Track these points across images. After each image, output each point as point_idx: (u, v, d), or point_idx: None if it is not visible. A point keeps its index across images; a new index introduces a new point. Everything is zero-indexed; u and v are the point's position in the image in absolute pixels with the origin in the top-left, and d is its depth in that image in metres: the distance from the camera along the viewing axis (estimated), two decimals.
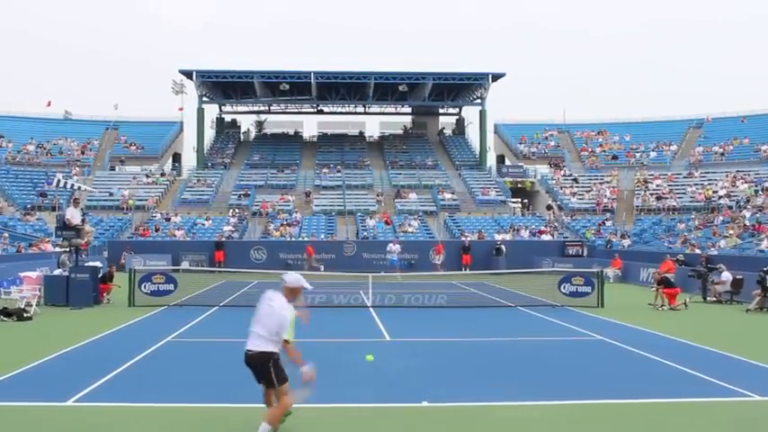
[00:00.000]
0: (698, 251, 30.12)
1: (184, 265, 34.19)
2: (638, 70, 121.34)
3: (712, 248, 30.68)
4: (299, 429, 7.90)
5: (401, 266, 33.59)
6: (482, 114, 54.24)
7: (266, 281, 29.21)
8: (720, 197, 42.67)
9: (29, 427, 8.05)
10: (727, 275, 21.95)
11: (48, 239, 34.75)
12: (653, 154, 53.79)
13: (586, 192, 48.60)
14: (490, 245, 37.83)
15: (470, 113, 60.62)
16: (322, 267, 32.86)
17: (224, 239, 38.08)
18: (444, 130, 62.61)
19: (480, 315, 18.96)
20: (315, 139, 61.44)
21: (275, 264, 34.42)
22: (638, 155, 53.81)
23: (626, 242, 38.48)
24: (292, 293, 7.20)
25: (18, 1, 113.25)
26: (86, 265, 21.40)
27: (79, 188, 42.15)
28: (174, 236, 39.49)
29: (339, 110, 61.41)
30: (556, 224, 43.67)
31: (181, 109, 57.63)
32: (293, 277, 7.29)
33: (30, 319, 16.64)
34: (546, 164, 54.52)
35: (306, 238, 39.85)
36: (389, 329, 15.52)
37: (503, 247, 36.70)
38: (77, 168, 49.64)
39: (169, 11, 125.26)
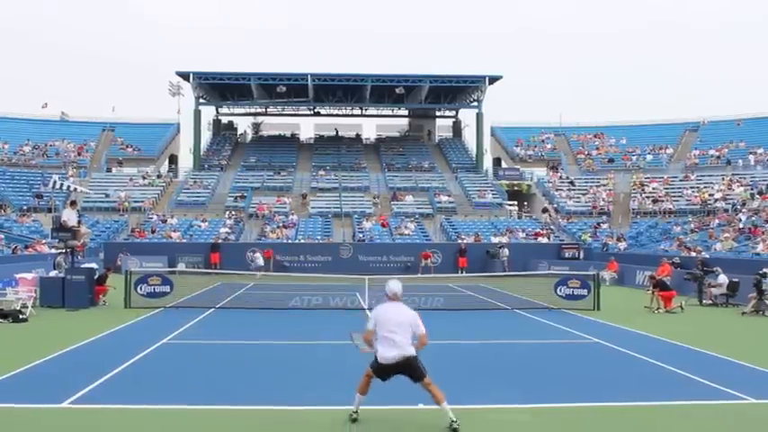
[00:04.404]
0: (694, 254, 30.16)
1: (180, 266, 34.12)
2: (635, 74, 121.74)
3: (704, 252, 30.70)
4: (294, 430, 7.92)
5: (261, 269, 33.42)
6: (479, 117, 54.29)
7: (263, 282, 29.29)
8: (716, 200, 42.78)
9: (24, 430, 8.03)
10: (723, 278, 21.98)
11: (44, 241, 34.65)
12: (649, 157, 53.91)
13: (583, 195, 48.68)
14: (487, 247, 37.95)
15: (467, 116, 60.84)
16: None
17: (220, 241, 38.04)
18: (441, 133, 62.68)
19: (476, 318, 18.97)
20: (311, 142, 61.45)
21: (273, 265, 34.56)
22: (634, 158, 53.91)
23: (622, 245, 38.53)
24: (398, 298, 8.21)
25: (16, 2, 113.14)
26: (82, 266, 21.36)
27: (75, 190, 42.05)
28: (171, 238, 39.45)
29: (336, 112, 61.42)
30: (552, 227, 43.72)
31: (179, 112, 57.54)
32: (398, 286, 8.23)
33: (25, 320, 16.60)
34: (542, 167, 54.60)
35: (302, 241, 39.89)
36: None
37: (502, 250, 36.71)
38: (74, 170, 49.53)
39: (166, 13, 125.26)
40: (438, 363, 12.20)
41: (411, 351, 7.90)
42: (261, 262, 34.57)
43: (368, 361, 8.03)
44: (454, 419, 7.77)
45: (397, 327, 7.86)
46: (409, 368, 7.92)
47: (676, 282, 23.45)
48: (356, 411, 8.15)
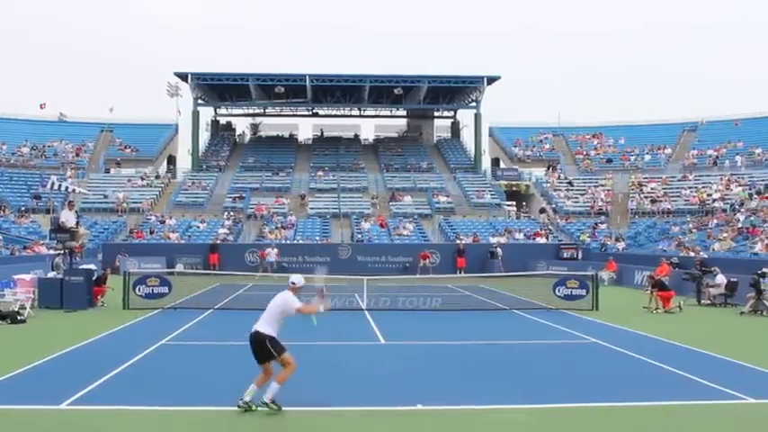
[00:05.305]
0: (692, 254, 30.18)
1: (179, 267, 34.09)
2: (633, 74, 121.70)
3: (702, 252, 30.72)
4: (293, 431, 7.92)
5: (272, 267, 33.66)
6: (477, 117, 54.29)
7: (261, 283, 29.25)
8: (714, 200, 42.82)
9: (23, 431, 8.02)
10: (721, 278, 22.00)
11: (42, 242, 34.62)
12: (647, 157, 53.93)
13: (581, 195, 48.69)
14: (485, 248, 37.95)
15: (465, 116, 60.86)
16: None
17: (218, 242, 38.02)
18: (439, 133, 62.69)
19: (475, 318, 18.98)
20: (310, 142, 61.45)
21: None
22: (632, 158, 53.92)
23: (620, 245, 38.55)
24: (296, 291, 8.99)
25: (16, 2, 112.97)
26: (80, 267, 21.32)
27: (74, 191, 41.99)
28: (169, 238, 39.41)
29: (334, 113, 61.44)
30: (550, 227, 43.73)
31: (180, 113, 57.42)
32: (297, 278, 9.06)
33: (23, 321, 16.59)
34: (541, 167, 54.59)
35: (301, 241, 39.88)
36: (384, 332, 15.52)
37: (498, 249, 36.79)
38: (72, 171, 49.42)
39: (164, 13, 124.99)
40: (437, 363, 12.23)
41: (264, 330, 8.67)
42: (273, 258, 34.67)
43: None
44: (266, 401, 8.34)
45: (267, 309, 8.85)
46: (257, 343, 8.68)
47: (675, 282, 23.46)
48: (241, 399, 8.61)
